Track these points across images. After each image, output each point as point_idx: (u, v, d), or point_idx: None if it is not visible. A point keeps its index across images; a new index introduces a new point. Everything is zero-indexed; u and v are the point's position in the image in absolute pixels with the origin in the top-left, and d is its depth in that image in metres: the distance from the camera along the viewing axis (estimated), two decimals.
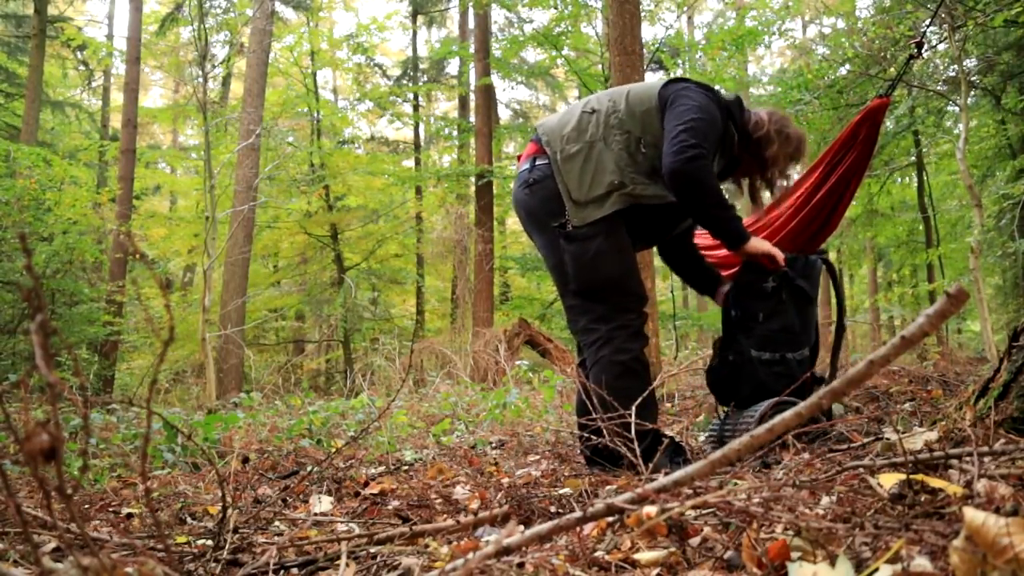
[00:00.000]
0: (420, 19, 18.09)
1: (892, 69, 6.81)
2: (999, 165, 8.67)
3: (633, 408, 1.97)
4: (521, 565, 1.04)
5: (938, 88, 8.11)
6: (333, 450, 3.14)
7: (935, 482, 1.14)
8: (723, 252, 2.80)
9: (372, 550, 1.35)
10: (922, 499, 1.09)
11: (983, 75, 7.65)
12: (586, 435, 2.22)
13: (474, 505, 1.80)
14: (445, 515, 1.70)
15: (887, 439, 1.72)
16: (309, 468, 2.60)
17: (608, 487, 1.77)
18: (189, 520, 1.92)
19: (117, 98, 15.75)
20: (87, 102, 18.22)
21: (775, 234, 3.27)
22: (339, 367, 14.58)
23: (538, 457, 2.78)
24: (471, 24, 14.55)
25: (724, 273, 3.41)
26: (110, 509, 2.08)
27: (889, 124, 8.57)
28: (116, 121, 15.65)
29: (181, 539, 1.58)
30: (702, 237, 3.74)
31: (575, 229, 2.23)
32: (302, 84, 15.15)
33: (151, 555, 0.92)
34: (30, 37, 11.12)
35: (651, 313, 2.63)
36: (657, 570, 1.03)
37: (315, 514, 1.85)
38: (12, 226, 7.90)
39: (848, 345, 10.91)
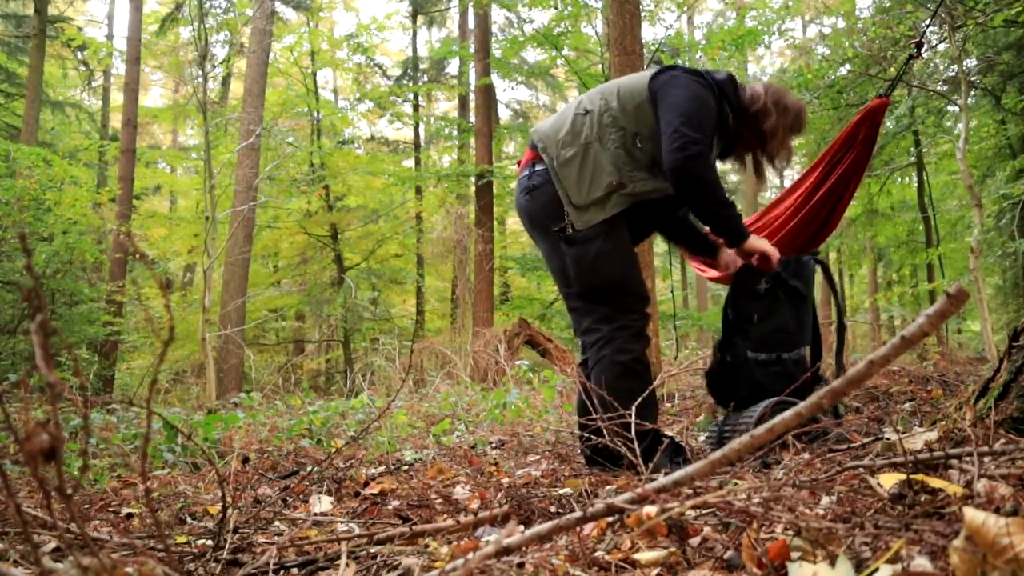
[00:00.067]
0: (420, 19, 18.09)
1: (892, 69, 6.81)
2: (999, 165, 8.67)
3: (633, 408, 1.97)
4: (521, 565, 1.04)
5: (938, 88, 8.11)
6: (333, 450, 3.14)
7: (935, 482, 1.14)
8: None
9: (372, 550, 1.35)
10: (922, 499, 1.09)
11: (983, 75, 7.65)
12: (586, 435, 2.22)
13: (474, 505, 1.80)
14: (445, 515, 1.70)
15: (887, 439, 1.72)
16: (309, 468, 2.60)
17: (608, 487, 1.77)
18: (189, 520, 1.92)
19: (117, 98, 15.75)
20: (87, 102, 18.22)
21: (775, 234, 3.27)
22: (339, 367, 14.59)
23: (538, 457, 2.78)
24: (471, 24, 14.55)
25: (713, 274, 3.41)
26: (110, 509, 2.08)
27: (889, 124, 8.57)
28: (116, 121, 15.65)
29: (181, 539, 1.58)
30: None
31: (575, 232, 2.23)
32: (302, 84, 15.15)
33: (151, 555, 0.92)
34: (30, 37, 11.12)
35: (651, 313, 2.62)
36: (657, 570, 1.03)
37: (315, 514, 1.85)
38: (12, 226, 7.90)
39: (848, 345, 10.91)
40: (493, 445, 3.45)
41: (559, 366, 8.92)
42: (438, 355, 9.34)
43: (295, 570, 1.31)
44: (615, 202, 2.23)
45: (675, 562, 1.05)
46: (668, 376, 3.66)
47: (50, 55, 14.08)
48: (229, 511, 1.46)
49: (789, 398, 2.09)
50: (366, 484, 2.27)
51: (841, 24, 13.89)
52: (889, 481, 1.19)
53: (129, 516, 1.96)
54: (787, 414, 0.96)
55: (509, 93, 27.63)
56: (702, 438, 2.69)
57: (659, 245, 14.80)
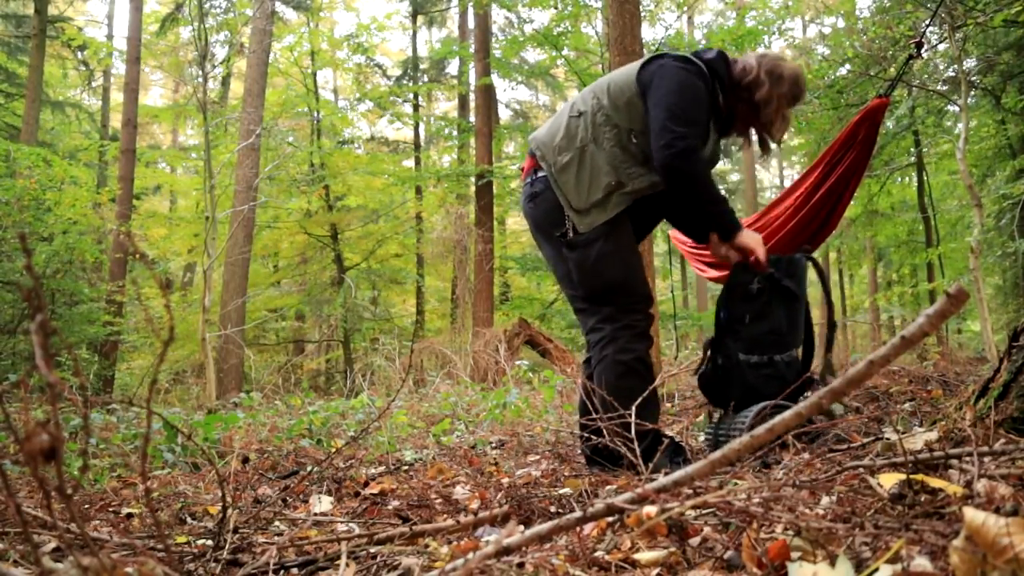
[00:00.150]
0: (420, 19, 18.09)
1: (892, 69, 6.81)
2: (999, 165, 8.67)
3: (633, 408, 1.97)
4: (521, 565, 1.04)
5: (938, 88, 8.11)
6: (333, 450, 3.14)
7: (935, 482, 1.14)
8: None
9: (372, 550, 1.35)
10: (922, 499, 1.09)
11: (983, 75, 7.65)
12: (587, 435, 2.22)
13: (474, 505, 1.80)
14: (445, 515, 1.70)
15: (887, 439, 1.72)
16: (309, 468, 2.60)
17: (608, 487, 1.77)
18: (189, 520, 1.92)
19: (117, 98, 15.76)
20: (87, 102, 18.22)
21: (775, 233, 3.27)
22: (339, 367, 14.59)
23: (538, 457, 2.78)
24: (471, 24, 14.55)
25: (713, 274, 3.40)
26: (110, 509, 2.08)
27: (889, 124, 8.57)
28: (116, 121, 15.65)
29: (181, 539, 1.58)
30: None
31: (576, 236, 2.24)
32: (302, 84, 15.15)
33: (151, 555, 0.92)
34: (30, 37, 11.12)
35: (654, 313, 2.61)
36: (657, 570, 1.03)
37: (315, 514, 1.85)
38: (12, 226, 7.90)
39: (848, 345, 10.91)
40: (493, 445, 3.45)
41: (559, 366, 8.92)
42: (438, 355, 9.34)
43: (295, 570, 1.31)
44: (616, 202, 2.23)
45: (675, 562, 1.05)
46: (668, 376, 3.66)
47: (50, 55, 14.08)
48: (229, 511, 1.46)
49: (782, 402, 2.10)
50: (366, 484, 2.27)
51: (841, 24, 13.90)
52: (889, 481, 1.19)
53: (129, 516, 1.96)
54: (787, 414, 0.96)
55: (509, 93, 27.66)
56: (702, 438, 2.69)
57: (659, 245, 14.82)
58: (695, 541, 1.10)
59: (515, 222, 19.71)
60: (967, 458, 1.26)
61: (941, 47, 7.50)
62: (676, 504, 1.05)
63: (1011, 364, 1.60)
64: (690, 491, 1.26)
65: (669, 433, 2.65)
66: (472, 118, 14.68)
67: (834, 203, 3.23)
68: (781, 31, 11.13)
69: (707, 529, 1.13)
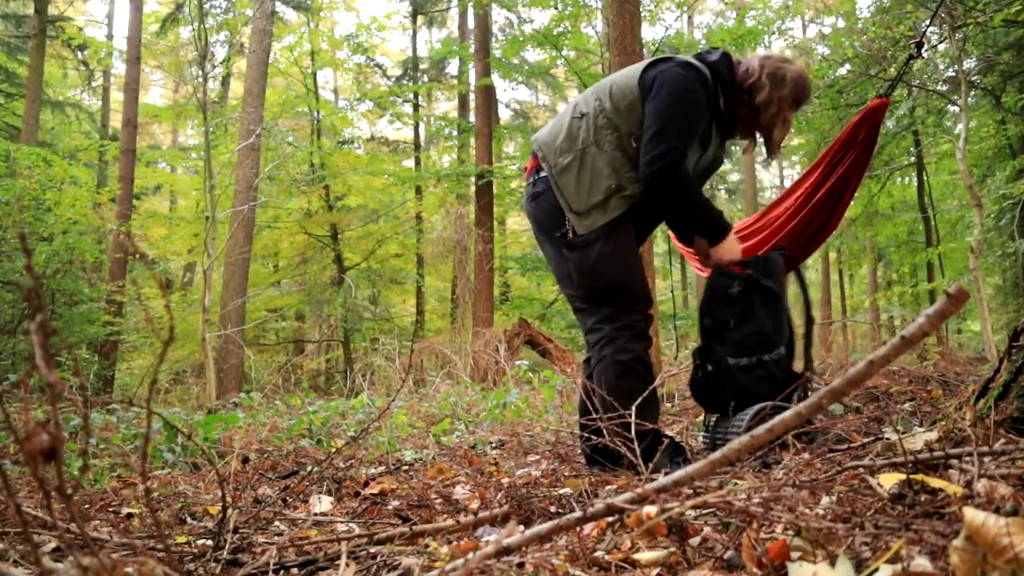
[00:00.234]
0: (420, 19, 18.10)
1: (892, 69, 6.81)
2: (999, 165, 8.67)
3: (633, 408, 1.97)
4: (521, 565, 1.04)
5: (938, 88, 8.11)
6: (333, 450, 3.14)
7: (935, 482, 1.14)
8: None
9: (372, 550, 1.35)
10: (922, 499, 1.09)
11: (983, 75, 7.65)
12: (586, 435, 2.22)
13: (474, 505, 1.80)
14: (445, 515, 1.70)
15: (887, 439, 1.72)
16: (309, 468, 2.60)
17: (608, 487, 1.77)
18: (189, 520, 1.92)
19: (117, 98, 15.75)
20: (87, 102, 18.22)
21: (775, 234, 3.27)
22: (339, 367, 14.59)
23: (538, 457, 2.78)
24: (471, 24, 14.55)
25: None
26: (110, 509, 2.08)
27: (889, 124, 8.57)
28: (116, 121, 15.64)
29: (181, 539, 1.58)
30: None
31: (576, 237, 2.25)
32: (302, 84, 15.15)
33: (151, 555, 0.92)
34: (30, 37, 11.12)
35: (653, 314, 2.61)
36: (657, 570, 1.03)
37: (315, 514, 1.85)
38: (12, 226, 7.90)
39: (848, 345, 10.91)
40: (493, 445, 3.45)
41: (559, 366, 8.92)
42: (438, 355, 9.34)
43: (295, 570, 1.31)
44: (615, 204, 2.23)
45: (675, 562, 1.05)
46: (668, 376, 3.66)
47: (50, 55, 14.08)
48: (229, 511, 1.46)
49: (780, 403, 2.10)
50: (366, 484, 2.27)
51: (841, 24, 13.89)
52: (889, 481, 1.19)
53: (129, 516, 1.96)
54: (787, 414, 0.96)
55: (509, 93, 27.62)
56: (701, 438, 2.69)
57: (659, 245, 14.82)
58: (695, 541, 1.10)
59: (515, 222, 19.70)
60: (967, 458, 1.26)
61: (941, 47, 7.50)
62: (676, 504, 1.05)
63: (1011, 364, 1.60)
64: (690, 491, 1.26)
65: (669, 433, 2.65)
66: (472, 118, 14.68)
67: (834, 203, 3.22)
68: (781, 31, 11.13)
69: (707, 529, 1.13)
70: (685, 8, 12.29)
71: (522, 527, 1.23)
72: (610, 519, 1.18)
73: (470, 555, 0.97)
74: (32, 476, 0.64)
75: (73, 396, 0.87)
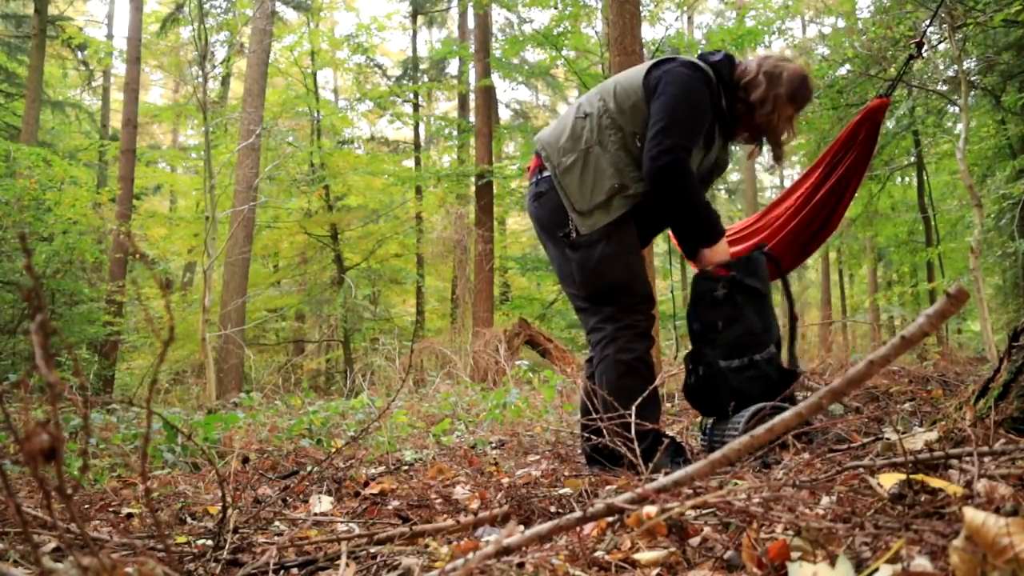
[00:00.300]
0: (420, 19, 18.10)
1: (892, 69, 6.81)
2: (999, 165, 8.67)
3: (634, 408, 1.98)
4: (521, 565, 1.04)
5: (938, 88, 8.11)
6: (333, 450, 3.14)
7: (935, 482, 1.14)
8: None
9: (372, 550, 1.35)
10: (922, 499, 1.09)
11: (983, 75, 7.65)
12: (587, 434, 2.22)
13: (474, 505, 1.80)
14: (445, 515, 1.70)
15: (887, 439, 1.72)
16: (309, 468, 2.60)
17: (608, 487, 1.77)
18: (189, 520, 1.92)
19: (117, 98, 15.75)
20: (87, 102, 18.22)
21: (776, 234, 3.27)
22: (339, 367, 14.59)
23: (538, 457, 2.78)
24: (471, 24, 14.55)
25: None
26: (110, 509, 2.08)
27: (889, 124, 8.57)
28: (116, 121, 15.64)
29: (181, 539, 1.58)
30: None
31: (579, 237, 2.25)
32: (302, 84, 15.15)
33: (151, 555, 0.92)
34: (30, 37, 11.12)
35: (655, 314, 2.60)
36: (657, 570, 1.03)
37: (315, 514, 1.85)
38: (12, 226, 7.91)
39: (848, 345, 10.91)
40: (493, 445, 3.45)
41: (559, 366, 8.92)
42: (438, 355, 9.34)
43: (295, 570, 1.31)
44: (618, 204, 2.23)
45: (675, 562, 1.05)
46: (668, 376, 3.66)
47: (50, 55, 14.07)
48: (229, 511, 1.46)
49: (779, 403, 2.10)
50: (366, 484, 2.27)
51: (841, 24, 13.89)
52: (889, 481, 1.19)
53: (129, 516, 1.96)
54: (787, 414, 0.96)
55: (509, 93, 27.65)
56: (700, 439, 2.69)
57: (659, 245, 14.82)
58: (695, 541, 1.10)
59: (515, 222, 19.70)
60: (967, 458, 1.26)
61: (941, 47, 7.50)
62: (676, 504, 1.05)
63: (1011, 364, 1.60)
64: (690, 491, 1.26)
65: (669, 433, 2.65)
66: (472, 118, 14.68)
67: (835, 203, 3.23)
68: (781, 31, 11.13)
69: (707, 529, 1.13)
70: (685, 8, 12.29)
71: (522, 527, 1.23)
72: (610, 519, 1.18)
73: (470, 555, 0.97)
74: (32, 476, 0.64)
75: (73, 396, 0.87)
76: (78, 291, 9.11)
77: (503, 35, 15.64)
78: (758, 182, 20.73)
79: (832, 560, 0.90)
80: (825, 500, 1.19)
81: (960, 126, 5.99)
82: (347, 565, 1.25)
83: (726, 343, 2.33)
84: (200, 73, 9.08)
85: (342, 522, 1.72)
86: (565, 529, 1.03)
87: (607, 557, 1.09)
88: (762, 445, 0.98)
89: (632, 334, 2.25)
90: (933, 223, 10.73)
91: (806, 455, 1.73)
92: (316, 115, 14.93)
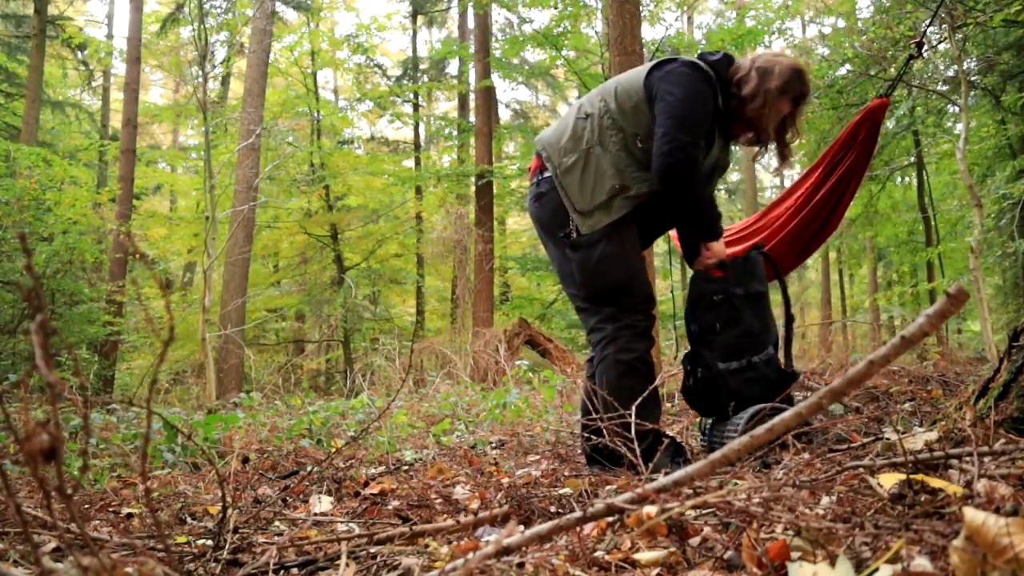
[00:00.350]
0: (420, 19, 18.09)
1: (892, 69, 6.81)
2: (999, 165, 8.67)
3: (634, 408, 1.98)
4: (521, 565, 1.04)
5: (938, 88, 8.11)
6: (333, 450, 3.14)
7: (935, 482, 1.14)
8: None
9: (372, 550, 1.35)
10: (922, 499, 1.09)
11: (983, 75, 7.65)
12: (587, 434, 2.22)
13: (474, 505, 1.80)
14: (445, 515, 1.70)
15: (887, 439, 1.72)
16: (309, 468, 2.60)
17: (608, 487, 1.77)
18: (189, 520, 1.92)
19: (117, 98, 15.75)
20: (87, 102, 18.22)
21: (776, 233, 3.27)
22: (339, 367, 14.58)
23: (538, 457, 2.78)
24: (471, 24, 14.55)
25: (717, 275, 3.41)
26: (110, 509, 2.08)
27: (889, 124, 8.57)
28: (116, 121, 15.64)
29: (181, 539, 1.58)
30: None
31: (579, 237, 2.26)
32: (302, 84, 15.15)
33: (151, 555, 0.92)
34: (30, 37, 11.12)
35: (655, 314, 2.60)
36: (657, 570, 1.03)
37: (315, 514, 1.85)
38: (12, 226, 7.91)
39: (848, 345, 10.91)
40: (493, 445, 3.45)
41: (559, 366, 8.92)
42: (438, 355, 9.34)
43: (295, 570, 1.31)
44: (619, 205, 2.24)
45: (675, 562, 1.05)
46: (668, 376, 3.66)
47: (50, 55, 14.08)
48: (229, 511, 1.46)
49: (778, 404, 2.10)
50: (366, 484, 2.27)
51: (841, 24, 13.89)
52: (889, 481, 1.19)
53: (129, 516, 1.96)
54: (787, 414, 0.96)
55: (509, 93, 27.61)
56: (700, 440, 2.69)
57: (659, 245, 14.83)
58: (695, 541, 1.10)
59: (515, 222, 19.70)
60: (967, 458, 1.26)
61: (941, 47, 7.50)
62: (676, 504, 1.05)
63: (1011, 364, 1.60)
64: (690, 491, 1.26)
65: (669, 433, 2.65)
66: (472, 118, 14.68)
67: (835, 203, 3.23)
68: (781, 31, 11.13)
69: (707, 529, 1.13)
70: (685, 8, 12.30)
71: (522, 527, 1.23)
72: (610, 519, 1.18)
73: (470, 555, 0.97)
74: (32, 476, 0.64)
75: (73, 396, 0.87)
76: (78, 291, 9.11)
77: (503, 35, 15.64)
78: (758, 182, 20.73)
79: (832, 560, 0.90)
80: (825, 500, 1.19)
81: (960, 126, 5.99)
82: (347, 565, 1.25)
83: (724, 345, 2.33)
84: (200, 73, 9.08)
85: (342, 522, 1.72)
86: (565, 529, 1.03)
87: (607, 557, 1.09)
88: (762, 445, 0.98)
89: (632, 334, 2.26)
90: (933, 223, 10.73)
91: (806, 455, 1.73)
92: (316, 115, 14.93)
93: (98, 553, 0.71)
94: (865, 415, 2.64)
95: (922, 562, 0.83)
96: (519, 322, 10.10)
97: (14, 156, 8.35)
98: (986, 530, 0.77)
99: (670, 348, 9.37)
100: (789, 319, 2.60)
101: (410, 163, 17.26)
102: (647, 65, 2.33)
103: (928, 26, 4.62)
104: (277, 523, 1.76)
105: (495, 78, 13.76)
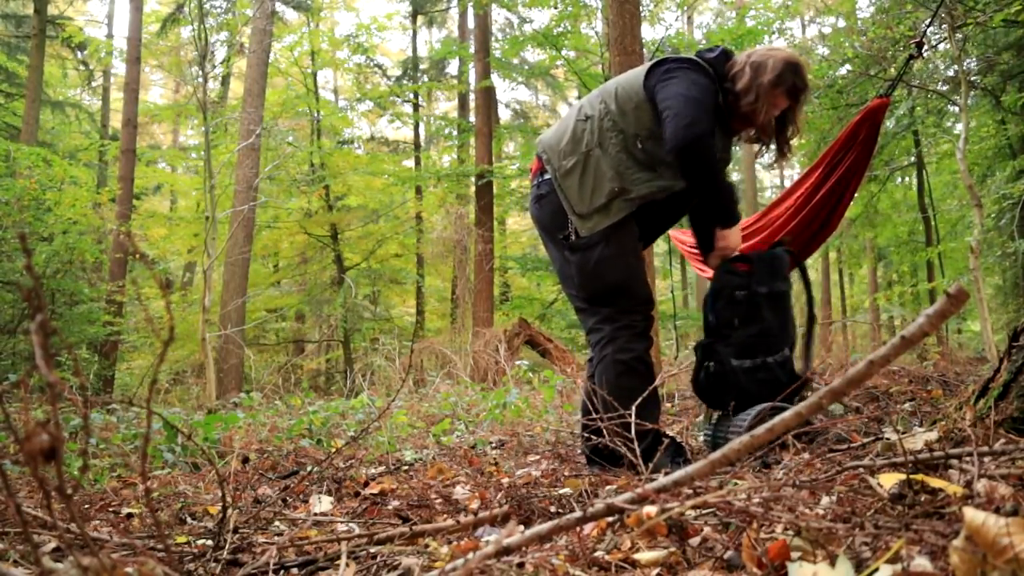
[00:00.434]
0: (420, 19, 18.09)
1: (892, 69, 6.81)
2: (999, 165, 8.67)
3: (634, 408, 1.98)
4: (521, 565, 1.04)
5: (938, 88, 8.11)
6: (333, 450, 3.14)
7: (935, 482, 1.14)
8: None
9: (372, 550, 1.35)
10: (922, 499, 1.09)
11: (983, 75, 7.65)
12: (587, 434, 2.22)
13: (474, 505, 1.80)
14: (445, 515, 1.69)
15: (887, 439, 1.72)
16: (309, 468, 2.60)
17: (608, 487, 1.77)
18: (189, 520, 1.92)
19: (117, 98, 15.75)
20: (87, 102, 18.22)
21: (776, 234, 3.27)
22: (339, 367, 14.58)
23: (538, 457, 2.78)
24: (471, 24, 14.55)
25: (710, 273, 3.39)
26: (110, 509, 2.08)
27: (889, 124, 8.58)
28: (116, 121, 15.64)
29: (181, 539, 1.58)
30: (687, 235, 3.72)
31: (578, 239, 2.26)
32: (302, 84, 15.14)
33: (151, 555, 0.92)
34: (30, 37, 11.12)
35: (654, 315, 2.59)
36: (657, 570, 1.03)
37: (315, 514, 1.85)
38: (12, 226, 7.91)
39: (848, 345, 10.91)
40: (493, 445, 3.45)
41: (559, 366, 8.92)
42: (438, 355, 9.34)
43: (295, 570, 1.31)
44: (618, 207, 2.24)
45: (675, 562, 1.05)
46: (668, 376, 3.66)
47: (50, 55, 14.08)
48: (229, 511, 1.46)
49: (780, 403, 2.10)
50: (366, 484, 2.27)
51: (841, 24, 13.89)
52: (889, 481, 1.18)
53: (129, 516, 1.96)
54: (787, 414, 0.96)
55: (509, 93, 27.60)
56: (701, 438, 2.69)
57: (659, 245, 14.84)
58: (695, 541, 1.10)
59: (515, 222, 19.70)
60: (967, 458, 1.26)
61: (941, 47, 7.50)
62: (676, 504, 1.05)
63: (1011, 364, 1.60)
64: (690, 491, 1.26)
65: (669, 433, 2.64)
66: (472, 118, 14.67)
67: (835, 203, 3.23)
68: (781, 31, 11.14)
69: (707, 529, 1.13)
70: (685, 8, 12.29)
71: (522, 527, 1.23)
72: (610, 519, 1.18)
73: (470, 555, 0.97)
74: (32, 476, 0.64)
75: (73, 396, 0.87)
76: (78, 291, 9.10)
77: (503, 35, 15.65)
78: (758, 182, 20.72)
79: (832, 560, 0.90)
80: (825, 500, 1.19)
81: (960, 126, 5.99)
82: (347, 565, 1.25)
83: (740, 342, 2.31)
84: (200, 73, 9.07)
85: (342, 522, 1.72)
86: (565, 529, 1.03)
87: (607, 557, 1.09)
88: (762, 445, 0.98)
89: (631, 334, 2.26)
90: (933, 223, 10.74)
91: (806, 455, 1.73)
92: (316, 115, 14.93)
93: (98, 553, 0.71)
94: (865, 415, 2.64)
95: (922, 562, 0.83)
96: (519, 322, 10.10)
97: (14, 156, 8.35)
98: (986, 530, 0.77)
99: (670, 348, 9.36)
100: (811, 319, 2.58)
101: (410, 163, 17.26)
102: (646, 65, 2.33)
103: (928, 26, 4.62)
104: (277, 523, 1.76)
105: (495, 78, 13.77)
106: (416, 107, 17.20)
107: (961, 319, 14.38)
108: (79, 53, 15.32)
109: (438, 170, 16.08)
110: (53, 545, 1.41)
